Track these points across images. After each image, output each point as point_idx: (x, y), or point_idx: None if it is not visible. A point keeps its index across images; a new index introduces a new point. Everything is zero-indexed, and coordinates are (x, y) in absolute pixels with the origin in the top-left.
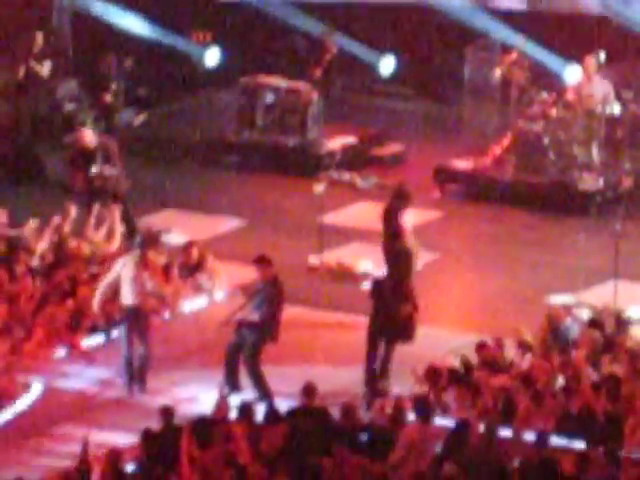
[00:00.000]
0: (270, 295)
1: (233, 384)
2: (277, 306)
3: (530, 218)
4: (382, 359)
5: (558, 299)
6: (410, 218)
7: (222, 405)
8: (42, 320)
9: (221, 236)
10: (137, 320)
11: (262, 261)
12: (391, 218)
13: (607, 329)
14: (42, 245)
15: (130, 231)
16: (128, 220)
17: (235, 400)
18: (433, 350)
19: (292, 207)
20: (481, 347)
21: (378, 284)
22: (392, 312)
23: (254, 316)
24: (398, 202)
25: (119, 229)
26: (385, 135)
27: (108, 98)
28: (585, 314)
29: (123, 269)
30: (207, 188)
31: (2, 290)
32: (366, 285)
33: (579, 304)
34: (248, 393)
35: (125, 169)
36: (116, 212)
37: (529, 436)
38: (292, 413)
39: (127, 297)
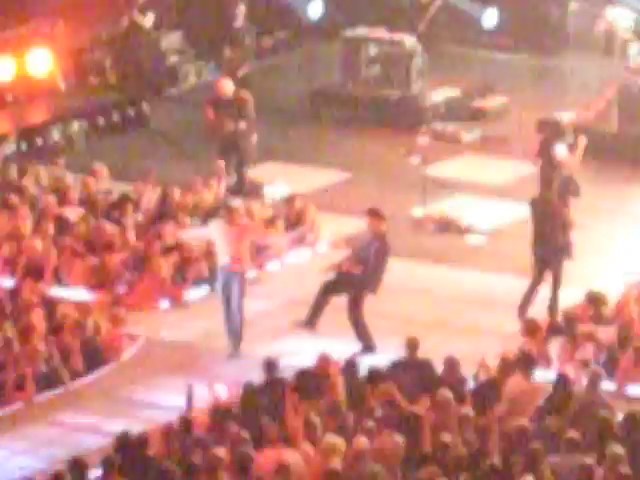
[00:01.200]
0: (378, 249)
1: (312, 322)
2: (383, 261)
3: (634, 171)
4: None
5: None
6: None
7: (324, 357)
8: (147, 273)
9: (324, 188)
10: (230, 280)
11: (376, 214)
12: (547, 150)
13: None
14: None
15: (239, 185)
16: (240, 176)
17: (336, 352)
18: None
19: (395, 160)
20: (590, 300)
21: (538, 210)
22: (555, 238)
23: (358, 268)
24: (552, 136)
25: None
26: (488, 87)
27: (228, 52)
28: None
29: (214, 229)
30: (310, 140)
31: (109, 242)
32: (471, 238)
33: None
34: (352, 344)
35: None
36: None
37: (632, 390)
38: (396, 365)
39: (220, 257)
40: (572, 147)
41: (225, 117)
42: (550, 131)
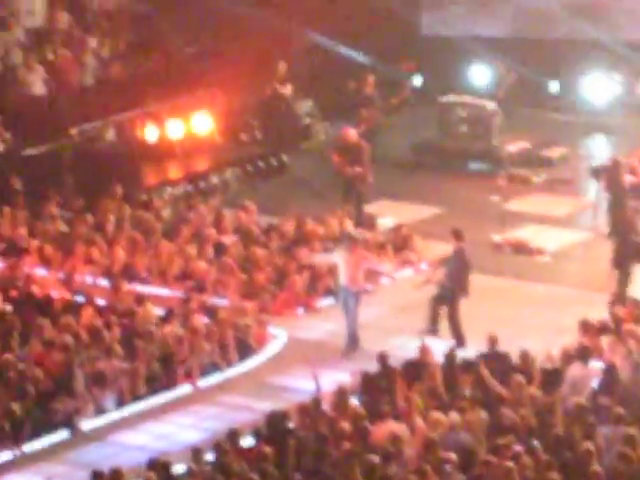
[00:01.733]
0: (460, 261)
1: (434, 328)
2: (465, 269)
3: None
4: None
5: None
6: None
7: (425, 350)
8: (286, 286)
9: (423, 220)
10: (349, 298)
11: (457, 234)
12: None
13: None
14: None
15: (357, 221)
16: (359, 211)
17: (435, 345)
18: None
19: (479, 198)
20: (636, 304)
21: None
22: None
23: (448, 278)
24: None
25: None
26: (552, 141)
27: (364, 112)
28: None
29: (337, 256)
30: (413, 183)
31: (257, 262)
32: (540, 258)
33: None
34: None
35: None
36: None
37: None
38: (481, 356)
39: (341, 278)
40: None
41: (346, 161)
42: (613, 166)
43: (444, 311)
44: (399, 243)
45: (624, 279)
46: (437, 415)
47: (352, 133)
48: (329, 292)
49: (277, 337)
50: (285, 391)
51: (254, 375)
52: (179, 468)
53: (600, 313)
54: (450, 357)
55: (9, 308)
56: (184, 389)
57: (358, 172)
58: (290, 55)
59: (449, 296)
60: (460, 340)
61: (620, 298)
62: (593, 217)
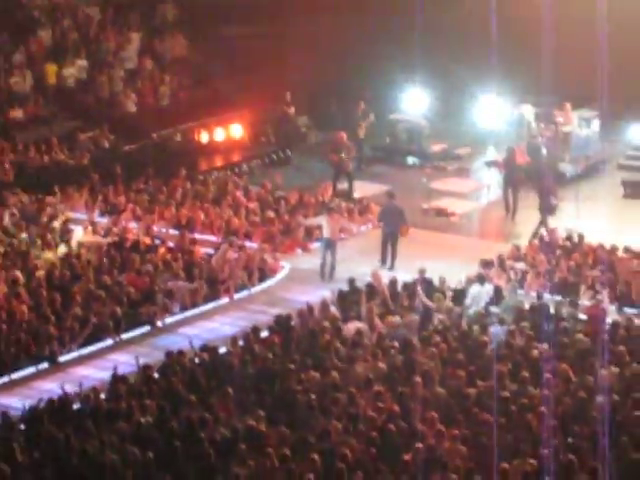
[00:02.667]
0: (394, 212)
1: (383, 261)
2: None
3: None
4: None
5: None
6: None
7: (376, 276)
8: (290, 236)
9: (377, 194)
10: (329, 245)
11: (390, 194)
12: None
13: None
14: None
15: (349, 193)
16: (350, 187)
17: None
18: None
19: (414, 180)
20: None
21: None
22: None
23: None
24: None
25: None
26: (461, 144)
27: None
28: None
29: (322, 218)
30: (372, 171)
31: (272, 221)
32: (453, 218)
33: None
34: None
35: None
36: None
37: None
38: (415, 280)
39: (325, 232)
40: None
41: (338, 155)
42: (508, 154)
43: (389, 249)
44: (362, 209)
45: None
46: (389, 317)
47: (343, 136)
48: (317, 240)
49: (284, 267)
50: (288, 302)
51: (269, 291)
52: (222, 350)
53: (491, 254)
54: (394, 280)
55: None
56: (224, 300)
57: (347, 163)
58: (293, 85)
59: (393, 238)
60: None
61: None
62: (486, 192)
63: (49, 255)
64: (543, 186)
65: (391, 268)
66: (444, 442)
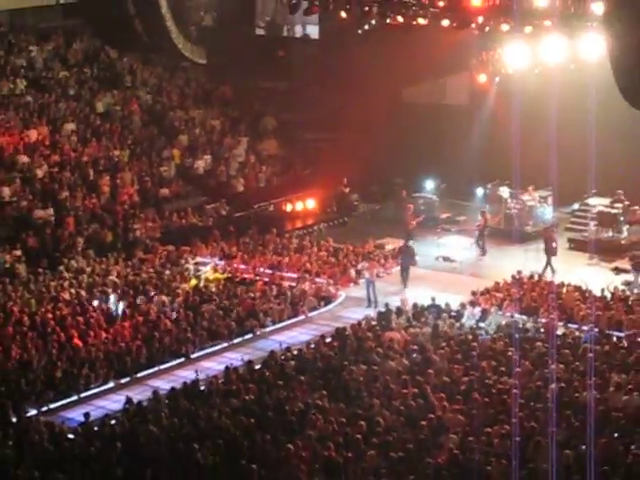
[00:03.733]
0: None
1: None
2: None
3: None
4: None
5: None
6: None
7: (403, 301)
8: (346, 273)
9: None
10: (369, 283)
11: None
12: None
13: None
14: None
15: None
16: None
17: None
18: None
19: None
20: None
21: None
22: None
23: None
24: None
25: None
26: None
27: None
28: None
29: (364, 264)
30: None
31: (331, 264)
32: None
33: None
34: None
35: None
36: None
37: None
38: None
39: (367, 273)
40: None
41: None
42: None
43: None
44: (393, 256)
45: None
46: (411, 329)
47: (411, 207)
48: (363, 278)
49: (341, 295)
50: (344, 319)
51: (331, 312)
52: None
53: (479, 287)
54: (415, 304)
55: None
56: (301, 317)
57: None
58: (348, 173)
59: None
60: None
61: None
62: (474, 246)
63: (185, 286)
64: (547, 236)
65: (405, 286)
66: (448, 414)
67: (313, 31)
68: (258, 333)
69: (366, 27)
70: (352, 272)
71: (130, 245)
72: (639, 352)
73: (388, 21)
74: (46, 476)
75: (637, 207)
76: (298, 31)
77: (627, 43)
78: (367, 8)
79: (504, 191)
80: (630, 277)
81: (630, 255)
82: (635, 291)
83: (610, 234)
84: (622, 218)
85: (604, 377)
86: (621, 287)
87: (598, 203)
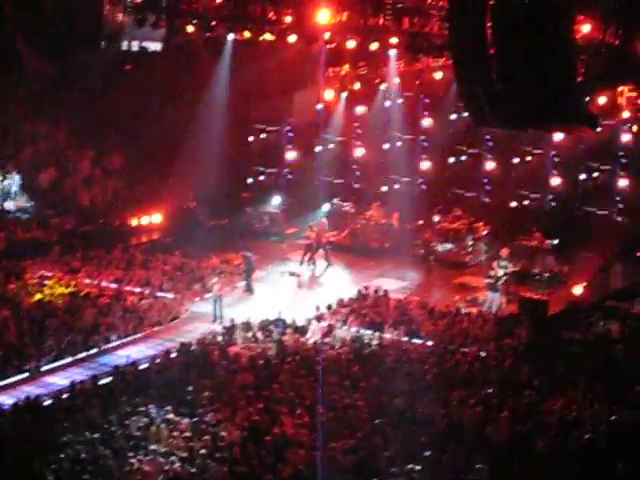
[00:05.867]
0: None
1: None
2: None
3: None
4: None
5: None
6: None
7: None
8: (192, 288)
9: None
10: (217, 298)
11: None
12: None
13: None
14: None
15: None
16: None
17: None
18: None
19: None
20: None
21: None
22: None
23: None
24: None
25: None
26: None
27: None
28: None
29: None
30: None
31: None
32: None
33: None
34: None
35: None
36: None
37: None
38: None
39: (214, 289)
40: None
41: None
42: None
43: None
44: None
45: None
46: (252, 344)
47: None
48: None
49: (186, 310)
50: (190, 334)
51: (177, 326)
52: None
53: (326, 302)
54: (260, 321)
55: None
56: (145, 332)
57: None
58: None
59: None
60: None
61: None
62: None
63: (29, 300)
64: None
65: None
66: (292, 429)
67: (157, 46)
68: (103, 348)
69: (212, 41)
70: (198, 287)
71: None
72: (480, 367)
73: (235, 37)
74: None
75: (481, 223)
76: (139, 45)
77: (469, 58)
78: (214, 23)
79: (349, 207)
80: (485, 296)
81: (488, 274)
82: (488, 309)
83: (456, 249)
84: (467, 234)
85: (447, 392)
86: (465, 304)
87: (441, 219)
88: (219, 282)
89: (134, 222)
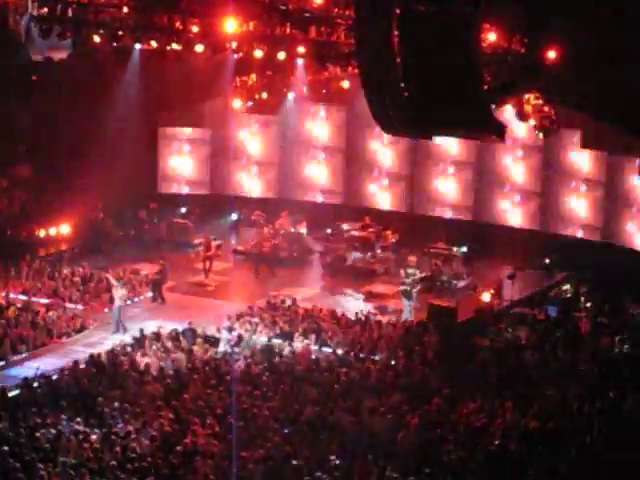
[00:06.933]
0: None
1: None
2: None
3: None
4: None
5: None
6: None
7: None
8: (100, 298)
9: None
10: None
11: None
12: None
13: None
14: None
15: None
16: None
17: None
18: None
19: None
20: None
21: None
22: None
23: None
24: None
25: None
26: None
27: None
28: None
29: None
30: None
31: None
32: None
33: None
34: None
35: None
36: None
37: None
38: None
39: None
40: None
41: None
42: None
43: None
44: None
45: None
46: (166, 354)
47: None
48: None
49: (94, 321)
50: (99, 344)
51: (85, 337)
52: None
53: (236, 311)
54: (170, 332)
55: None
56: (54, 343)
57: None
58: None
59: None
60: None
61: None
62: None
63: None
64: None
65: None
66: (203, 438)
67: (63, 55)
68: (12, 360)
69: (119, 51)
70: (106, 298)
71: None
72: (390, 375)
73: (142, 46)
74: None
75: (389, 232)
76: (44, 55)
77: (376, 66)
78: (121, 33)
79: (258, 216)
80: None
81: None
82: (405, 318)
83: (365, 258)
84: (376, 242)
85: (357, 400)
86: (373, 311)
87: (350, 228)
88: (122, 292)
89: (42, 233)
